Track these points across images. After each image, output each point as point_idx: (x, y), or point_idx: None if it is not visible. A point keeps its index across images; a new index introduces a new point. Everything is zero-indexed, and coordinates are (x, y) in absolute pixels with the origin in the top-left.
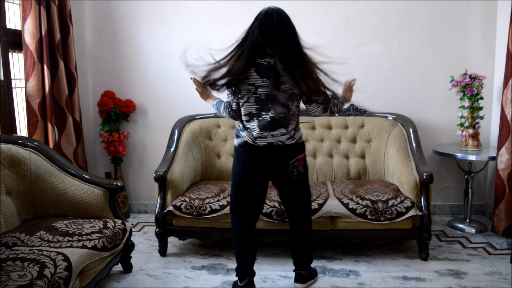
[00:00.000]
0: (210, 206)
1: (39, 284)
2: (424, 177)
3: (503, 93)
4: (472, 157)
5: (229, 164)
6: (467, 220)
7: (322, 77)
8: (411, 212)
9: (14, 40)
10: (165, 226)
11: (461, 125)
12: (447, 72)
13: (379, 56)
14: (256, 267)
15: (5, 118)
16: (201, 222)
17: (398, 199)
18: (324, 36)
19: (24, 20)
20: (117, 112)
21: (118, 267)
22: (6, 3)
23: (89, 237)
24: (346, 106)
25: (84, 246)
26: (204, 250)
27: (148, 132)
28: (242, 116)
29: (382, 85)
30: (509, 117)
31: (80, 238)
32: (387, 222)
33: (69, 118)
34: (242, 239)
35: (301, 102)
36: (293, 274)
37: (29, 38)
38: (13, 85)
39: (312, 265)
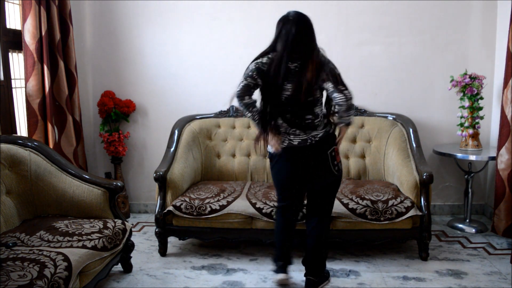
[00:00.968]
0: (210, 206)
1: (39, 284)
2: (424, 177)
3: (503, 93)
4: (472, 157)
5: (229, 164)
6: (467, 220)
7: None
8: (411, 212)
9: (14, 40)
10: (165, 226)
11: (461, 125)
12: (447, 72)
13: (379, 56)
14: (256, 267)
15: (5, 118)
16: (201, 222)
17: (398, 199)
18: (324, 36)
19: (24, 20)
20: (117, 112)
21: (118, 267)
22: (6, 3)
23: (89, 237)
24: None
25: (84, 246)
26: (204, 250)
27: (148, 132)
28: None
29: (382, 85)
30: (509, 117)
31: (80, 238)
32: (387, 222)
33: (69, 118)
34: (282, 225)
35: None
36: (293, 274)
37: (29, 38)
38: (13, 85)
39: None
